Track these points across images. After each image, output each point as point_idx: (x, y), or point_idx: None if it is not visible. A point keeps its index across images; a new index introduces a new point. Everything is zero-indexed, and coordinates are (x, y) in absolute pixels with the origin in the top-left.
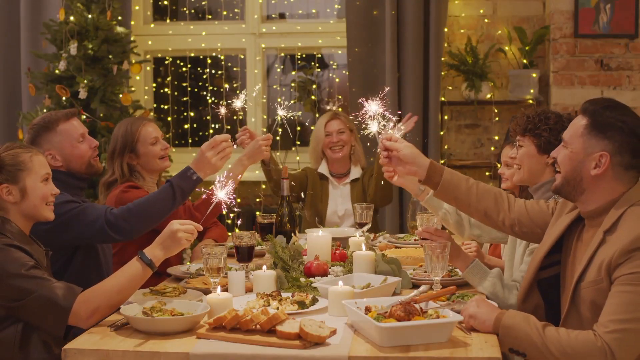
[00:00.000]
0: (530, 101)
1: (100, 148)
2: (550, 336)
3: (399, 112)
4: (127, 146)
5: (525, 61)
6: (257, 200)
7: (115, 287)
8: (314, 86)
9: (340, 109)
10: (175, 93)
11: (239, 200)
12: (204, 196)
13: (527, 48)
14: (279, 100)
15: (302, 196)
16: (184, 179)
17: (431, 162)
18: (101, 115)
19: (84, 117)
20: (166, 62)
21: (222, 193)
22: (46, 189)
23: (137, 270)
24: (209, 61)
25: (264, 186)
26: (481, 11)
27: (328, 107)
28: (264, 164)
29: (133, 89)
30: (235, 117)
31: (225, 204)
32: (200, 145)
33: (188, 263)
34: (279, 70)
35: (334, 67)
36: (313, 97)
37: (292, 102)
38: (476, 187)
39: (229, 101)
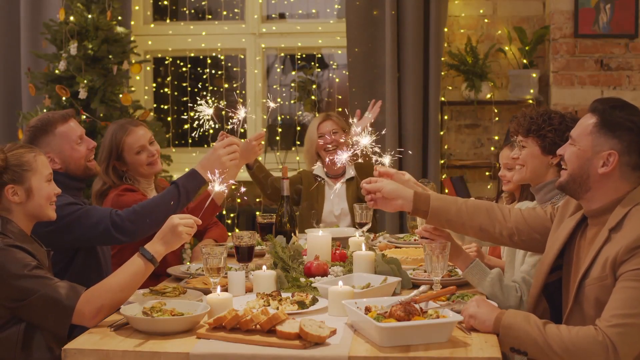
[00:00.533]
0: (530, 101)
1: (98, 148)
2: (552, 333)
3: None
4: (112, 155)
5: (525, 61)
6: (257, 200)
7: (118, 284)
8: (314, 86)
9: (340, 109)
10: (175, 93)
11: (238, 200)
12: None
13: (527, 48)
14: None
15: (298, 199)
16: (190, 180)
17: (415, 193)
18: (101, 115)
19: (84, 117)
20: (166, 62)
21: (218, 186)
22: (50, 188)
23: (139, 267)
24: (209, 61)
25: None
26: (481, 11)
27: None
28: (248, 168)
29: (133, 89)
30: (235, 117)
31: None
32: (200, 146)
33: (188, 263)
34: (279, 70)
35: (334, 67)
36: (313, 97)
37: (293, 101)
38: (465, 205)
39: (198, 105)
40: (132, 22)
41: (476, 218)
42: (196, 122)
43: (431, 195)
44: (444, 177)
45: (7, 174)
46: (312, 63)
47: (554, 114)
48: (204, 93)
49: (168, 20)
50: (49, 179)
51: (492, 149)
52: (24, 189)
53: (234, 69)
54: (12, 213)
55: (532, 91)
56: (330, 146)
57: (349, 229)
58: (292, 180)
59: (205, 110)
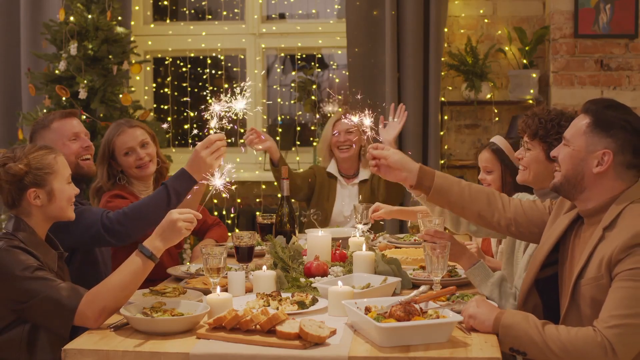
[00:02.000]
0: (530, 101)
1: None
2: (550, 334)
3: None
4: (106, 154)
5: (525, 61)
6: (257, 200)
7: (119, 284)
8: (314, 86)
9: (339, 109)
10: (175, 93)
11: (238, 200)
12: (196, 187)
13: (527, 48)
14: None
15: (310, 193)
16: (179, 181)
17: (421, 166)
18: (101, 115)
19: (84, 117)
20: (166, 62)
21: (218, 181)
22: (70, 189)
23: (138, 265)
24: (209, 61)
25: (264, 186)
26: (481, 11)
27: (329, 108)
28: (273, 165)
29: (133, 89)
30: (235, 117)
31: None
32: None
33: (188, 263)
34: (279, 70)
35: (334, 67)
36: (313, 98)
37: (293, 101)
38: (468, 188)
39: (208, 105)
40: (132, 23)
41: (476, 203)
42: (207, 116)
43: (436, 172)
44: None
45: (28, 177)
46: (312, 63)
47: (564, 122)
48: (204, 93)
49: (168, 21)
50: (69, 180)
51: None
52: (45, 191)
53: (234, 69)
54: (30, 215)
55: (532, 91)
56: (344, 145)
57: (349, 229)
58: (305, 174)
59: (216, 108)
